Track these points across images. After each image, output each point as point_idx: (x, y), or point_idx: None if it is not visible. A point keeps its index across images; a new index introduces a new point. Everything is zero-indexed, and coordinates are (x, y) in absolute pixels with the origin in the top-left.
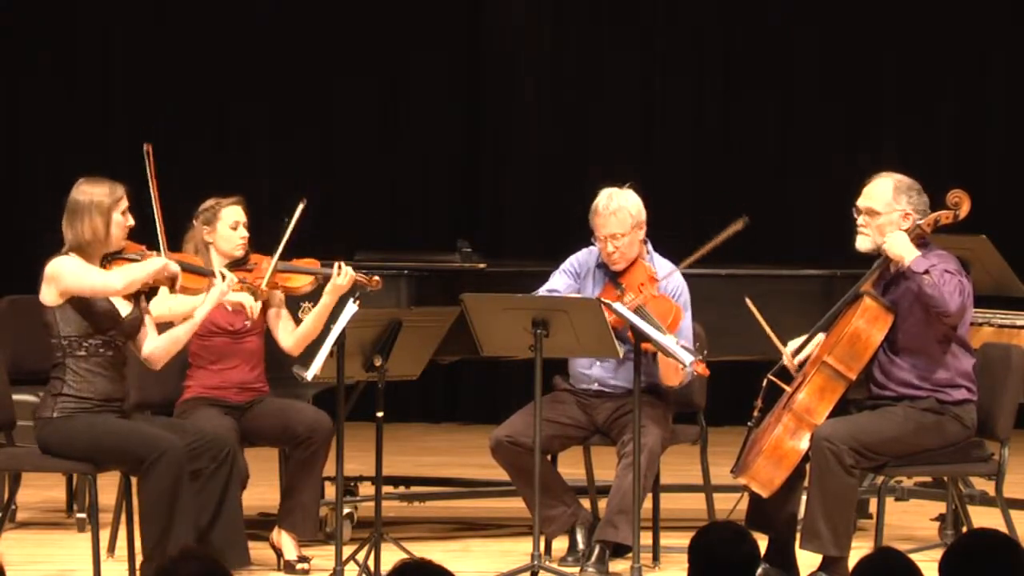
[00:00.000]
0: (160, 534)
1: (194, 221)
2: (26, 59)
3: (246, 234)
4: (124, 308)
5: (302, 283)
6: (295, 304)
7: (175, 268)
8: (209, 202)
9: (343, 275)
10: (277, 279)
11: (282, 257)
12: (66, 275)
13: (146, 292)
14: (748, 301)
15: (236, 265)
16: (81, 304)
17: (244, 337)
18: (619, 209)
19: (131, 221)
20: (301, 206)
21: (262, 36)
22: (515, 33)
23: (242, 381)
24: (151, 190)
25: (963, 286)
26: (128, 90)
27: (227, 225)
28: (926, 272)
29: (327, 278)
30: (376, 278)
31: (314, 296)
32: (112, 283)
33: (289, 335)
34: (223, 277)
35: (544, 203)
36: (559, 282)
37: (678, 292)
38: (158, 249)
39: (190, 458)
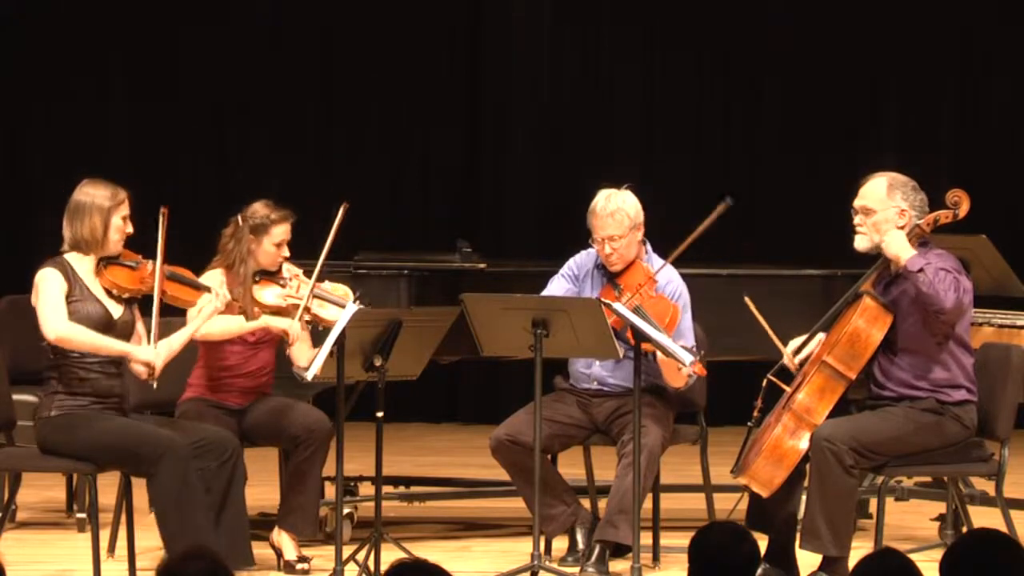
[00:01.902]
0: (178, 532)
1: (239, 220)
2: (26, 60)
3: (288, 253)
4: (116, 310)
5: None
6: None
7: (140, 368)
8: (262, 211)
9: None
10: (309, 304)
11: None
12: (37, 290)
13: (138, 298)
14: (747, 300)
15: (267, 276)
16: (69, 309)
17: (259, 350)
18: (617, 211)
19: (130, 228)
20: (332, 233)
21: (262, 36)
22: (515, 33)
23: (247, 387)
24: (158, 251)
25: (959, 283)
26: (128, 90)
27: (273, 243)
28: (920, 270)
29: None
30: None
31: None
32: (55, 329)
33: (306, 358)
34: (216, 295)
35: (544, 203)
36: (557, 287)
37: (677, 294)
38: (153, 258)
39: (193, 456)
